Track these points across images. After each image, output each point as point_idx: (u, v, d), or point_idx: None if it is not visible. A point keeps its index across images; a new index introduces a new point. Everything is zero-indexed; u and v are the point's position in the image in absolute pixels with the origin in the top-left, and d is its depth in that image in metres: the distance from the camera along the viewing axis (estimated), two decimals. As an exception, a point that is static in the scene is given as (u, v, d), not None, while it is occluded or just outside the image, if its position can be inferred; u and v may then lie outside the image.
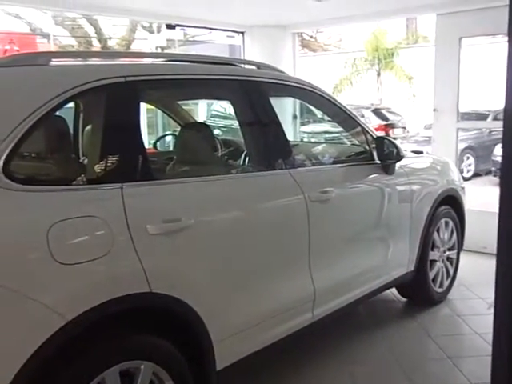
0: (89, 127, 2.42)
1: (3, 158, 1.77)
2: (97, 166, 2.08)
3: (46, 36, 18.03)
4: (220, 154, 2.96)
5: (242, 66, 3.02)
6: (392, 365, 3.16)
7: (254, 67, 3.01)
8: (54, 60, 2.16)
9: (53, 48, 16.39)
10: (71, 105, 2.44)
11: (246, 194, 2.53)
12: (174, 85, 2.59)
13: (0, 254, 1.68)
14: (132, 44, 18.91)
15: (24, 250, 1.74)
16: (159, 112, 6.19)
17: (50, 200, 1.86)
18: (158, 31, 18.99)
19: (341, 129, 3.79)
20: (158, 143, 4.32)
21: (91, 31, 18.71)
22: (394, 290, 4.01)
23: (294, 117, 6.48)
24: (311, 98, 3.27)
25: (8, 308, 1.67)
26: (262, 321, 2.54)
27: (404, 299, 4.12)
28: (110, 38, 19.29)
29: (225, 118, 10.40)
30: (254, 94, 2.75)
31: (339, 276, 3.02)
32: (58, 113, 2.07)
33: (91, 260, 1.86)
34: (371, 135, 3.40)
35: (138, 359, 2.00)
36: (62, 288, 1.78)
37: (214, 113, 11.04)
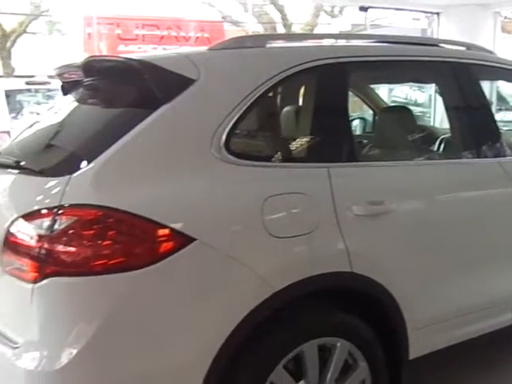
0: (299, 107, 2.51)
1: (225, 133, 1.90)
2: (306, 145, 2.15)
3: (235, 23, 19.00)
4: (421, 139, 2.87)
5: (446, 46, 2.86)
6: None
7: (463, 48, 2.84)
8: (269, 42, 2.26)
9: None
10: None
11: (450, 182, 2.42)
12: (380, 67, 2.54)
13: (222, 222, 1.81)
14: (315, 29, 19.10)
15: (241, 220, 1.85)
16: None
17: (264, 175, 1.95)
18: (341, 15, 18.94)
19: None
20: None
21: (276, 17, 19.28)
22: None
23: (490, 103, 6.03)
24: None
25: (226, 274, 1.80)
26: (461, 315, 2.43)
27: None
28: (293, 24, 19.69)
29: (406, 103, 10.04)
30: (464, 76, 2.61)
31: None
32: (271, 93, 2.16)
33: (299, 235, 1.92)
34: None
35: (335, 336, 2.04)
36: (272, 260, 1.87)
37: (394, 99, 10.72)
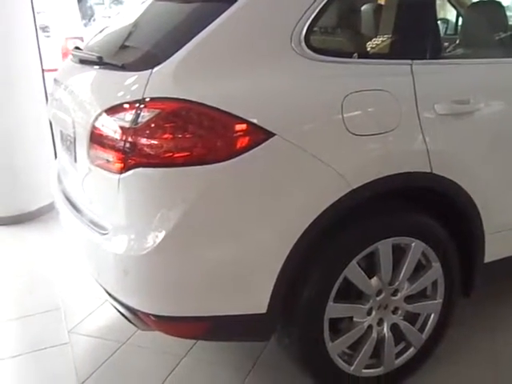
0: (381, 1, 2.37)
1: (306, 27, 1.83)
2: (388, 41, 2.05)
3: None
4: (511, 38, 2.66)
5: None
6: None
7: None
8: None
9: None
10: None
11: None
12: None
13: (301, 118, 1.79)
14: None
15: (321, 116, 1.83)
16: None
17: (344, 71, 1.89)
18: None
19: None
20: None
21: None
22: None
23: None
24: None
25: (304, 169, 1.80)
26: None
27: None
28: None
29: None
30: None
31: None
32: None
33: (379, 133, 1.88)
34: None
35: (410, 236, 2.04)
36: (351, 157, 1.85)
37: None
